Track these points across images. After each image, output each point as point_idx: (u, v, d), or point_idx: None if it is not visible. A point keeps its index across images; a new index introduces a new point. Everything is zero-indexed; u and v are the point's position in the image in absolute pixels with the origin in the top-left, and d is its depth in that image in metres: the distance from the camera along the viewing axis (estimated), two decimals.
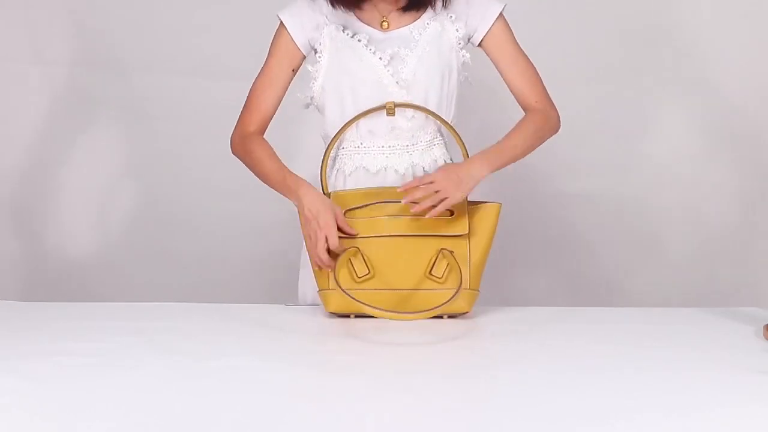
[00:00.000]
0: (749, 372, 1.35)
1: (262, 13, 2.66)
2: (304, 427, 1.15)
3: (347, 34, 1.86)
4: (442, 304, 1.63)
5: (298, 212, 1.78)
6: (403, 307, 1.67)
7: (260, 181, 1.90)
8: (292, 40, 1.90)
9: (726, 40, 2.64)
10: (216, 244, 2.78)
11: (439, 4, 1.88)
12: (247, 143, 1.92)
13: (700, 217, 2.72)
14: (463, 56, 1.92)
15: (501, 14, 1.93)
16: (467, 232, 1.73)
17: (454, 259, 1.70)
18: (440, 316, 1.70)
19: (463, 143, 1.85)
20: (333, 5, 1.86)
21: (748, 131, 2.68)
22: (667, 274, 2.74)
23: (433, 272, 1.70)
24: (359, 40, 1.85)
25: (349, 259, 1.69)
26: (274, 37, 1.93)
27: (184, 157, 2.75)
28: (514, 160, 1.88)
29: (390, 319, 1.63)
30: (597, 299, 2.72)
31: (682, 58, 2.64)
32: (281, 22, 1.92)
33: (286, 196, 1.84)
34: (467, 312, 1.73)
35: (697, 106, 2.67)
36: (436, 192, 1.70)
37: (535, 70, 1.96)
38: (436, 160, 1.90)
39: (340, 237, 1.69)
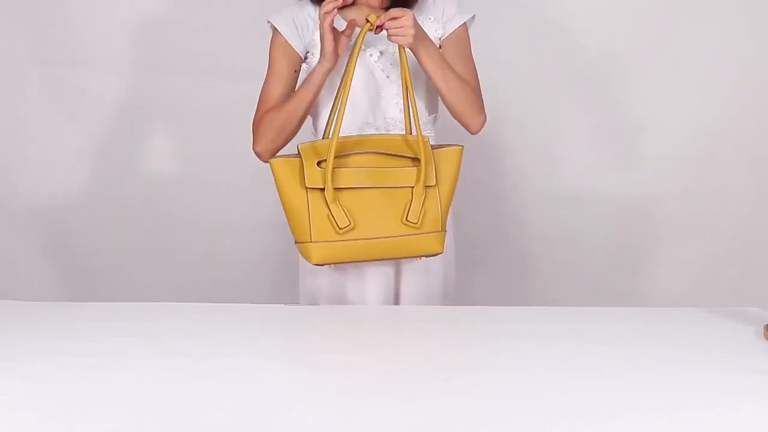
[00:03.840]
0: (749, 372, 1.35)
1: (262, 14, 2.68)
2: (304, 426, 1.15)
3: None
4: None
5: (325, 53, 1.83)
6: (381, 255, 1.82)
7: (302, 111, 1.90)
8: (289, 43, 1.94)
9: (726, 40, 2.64)
10: (216, 244, 2.79)
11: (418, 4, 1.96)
12: (265, 117, 1.93)
13: (700, 217, 2.72)
14: None
15: (465, 24, 2.00)
16: (435, 183, 1.84)
17: (424, 205, 1.81)
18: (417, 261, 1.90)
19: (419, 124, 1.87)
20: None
21: (748, 131, 2.68)
22: (667, 274, 2.74)
23: (409, 218, 1.81)
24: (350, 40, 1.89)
25: (328, 210, 1.77)
26: (271, 44, 1.96)
27: (184, 156, 2.75)
28: (438, 72, 1.88)
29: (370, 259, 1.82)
30: (597, 299, 2.72)
31: (683, 57, 2.64)
32: (274, 27, 1.95)
33: (322, 78, 1.86)
34: (440, 253, 1.86)
35: (697, 106, 2.67)
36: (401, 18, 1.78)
37: (477, 78, 2.02)
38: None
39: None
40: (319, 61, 1.86)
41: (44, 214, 2.79)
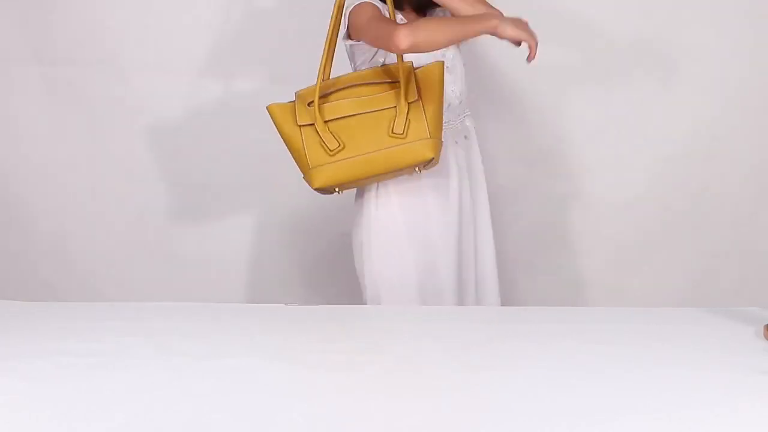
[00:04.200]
0: (749, 372, 1.35)
1: (262, 13, 2.68)
2: (304, 426, 1.15)
3: None
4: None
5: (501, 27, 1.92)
6: (376, 170, 1.95)
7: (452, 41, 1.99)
8: (380, 11, 1.99)
9: (727, 40, 2.64)
10: (216, 244, 2.78)
11: None
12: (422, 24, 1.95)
13: (700, 217, 2.72)
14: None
15: None
16: (417, 98, 1.96)
17: (408, 117, 1.94)
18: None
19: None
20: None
21: (749, 131, 2.68)
22: (667, 274, 2.74)
23: (394, 130, 1.94)
24: None
25: (320, 138, 1.95)
26: (360, 10, 1.98)
27: (184, 156, 2.75)
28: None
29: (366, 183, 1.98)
30: (597, 299, 2.72)
31: (683, 57, 2.64)
32: (367, 3, 1.99)
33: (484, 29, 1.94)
34: (433, 158, 1.94)
35: (697, 105, 2.66)
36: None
37: None
38: (468, 128, 2.15)
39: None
40: (499, 20, 1.92)
41: (44, 214, 2.79)
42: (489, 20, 1.93)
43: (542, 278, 2.77)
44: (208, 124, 2.73)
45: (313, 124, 1.97)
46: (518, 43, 1.94)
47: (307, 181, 1.99)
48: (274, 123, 2.01)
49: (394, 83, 1.98)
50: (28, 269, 2.81)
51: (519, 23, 1.94)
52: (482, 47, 2.64)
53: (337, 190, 2.01)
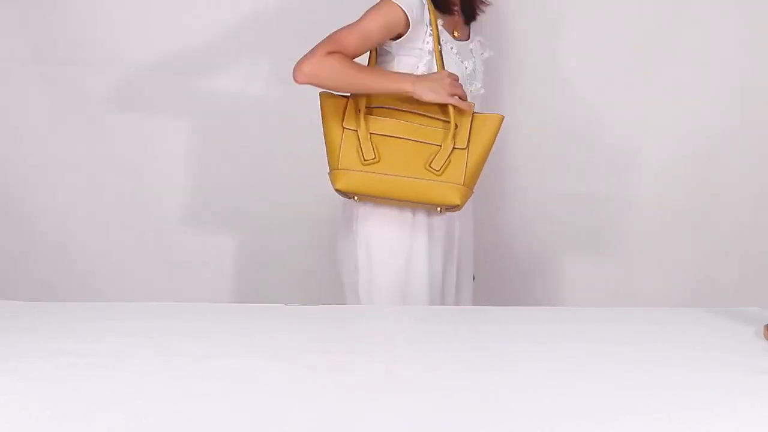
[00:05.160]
0: (749, 372, 1.35)
1: (262, 13, 2.68)
2: (304, 426, 1.15)
3: (443, 37, 2.03)
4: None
5: (418, 91, 1.96)
6: (400, 194, 1.95)
7: (363, 92, 2.00)
8: (401, 21, 1.98)
9: (727, 40, 2.64)
10: (216, 244, 2.78)
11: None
12: (335, 57, 1.95)
13: (700, 217, 2.72)
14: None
15: None
16: (465, 146, 1.96)
17: (450, 158, 1.95)
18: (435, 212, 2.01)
19: None
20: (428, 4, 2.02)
21: (749, 131, 2.68)
22: (667, 274, 2.74)
23: (432, 165, 1.93)
24: (451, 48, 2.05)
25: (359, 144, 1.95)
26: (379, 8, 1.98)
27: (184, 156, 2.75)
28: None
29: (386, 202, 1.96)
30: (597, 299, 2.72)
31: (683, 57, 2.64)
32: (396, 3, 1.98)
33: (398, 92, 1.98)
34: (459, 206, 1.95)
35: (697, 105, 2.66)
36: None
37: None
38: None
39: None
40: (413, 82, 1.95)
41: (44, 214, 2.79)
42: (403, 82, 1.96)
43: (542, 278, 2.77)
44: (208, 124, 2.73)
45: (356, 131, 1.97)
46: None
47: (331, 179, 1.98)
48: (321, 113, 2.01)
49: (447, 122, 1.97)
50: (28, 269, 2.80)
51: (440, 85, 1.95)
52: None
53: (355, 198, 2.00)
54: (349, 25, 1.98)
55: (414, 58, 2.02)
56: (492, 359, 1.44)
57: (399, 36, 2.01)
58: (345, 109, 1.98)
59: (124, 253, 2.79)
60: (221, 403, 1.22)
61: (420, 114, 1.98)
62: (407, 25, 1.99)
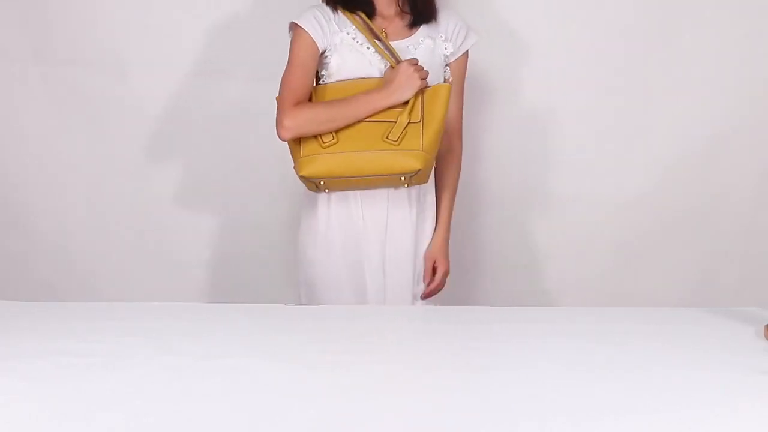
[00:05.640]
0: (749, 372, 1.35)
1: (262, 13, 2.68)
2: (304, 426, 1.15)
3: (357, 41, 2.07)
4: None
5: (397, 97, 2.03)
6: (363, 169, 1.99)
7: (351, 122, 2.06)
8: (313, 40, 2.06)
9: (727, 41, 2.64)
10: (217, 244, 2.78)
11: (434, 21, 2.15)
12: (306, 110, 2.05)
13: (701, 217, 2.72)
14: (445, 71, 2.15)
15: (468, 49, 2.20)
16: (419, 119, 2.01)
17: (406, 129, 2.00)
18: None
19: None
20: (340, 9, 2.08)
21: (749, 131, 2.68)
22: (667, 274, 2.74)
23: (389, 137, 1.99)
24: (368, 48, 2.07)
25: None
26: (293, 41, 2.09)
27: (184, 156, 2.75)
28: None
29: (352, 184, 2.02)
30: (597, 299, 2.72)
31: (683, 58, 2.64)
32: (298, 26, 2.07)
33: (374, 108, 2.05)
34: (420, 170, 1.99)
35: (697, 106, 2.66)
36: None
37: (461, 113, 2.25)
38: None
39: None
40: (388, 94, 2.02)
41: (44, 214, 2.79)
42: (379, 99, 2.02)
43: (542, 278, 2.77)
44: (208, 124, 2.73)
45: None
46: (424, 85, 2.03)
47: (295, 169, 2.04)
48: None
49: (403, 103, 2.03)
50: (28, 269, 2.81)
51: (407, 77, 2.01)
52: (483, 46, 2.64)
53: (322, 183, 2.04)
54: (286, 66, 2.08)
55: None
56: (492, 359, 1.44)
57: (323, 53, 2.08)
58: None
59: (124, 253, 2.79)
60: (221, 403, 1.22)
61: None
62: (318, 44, 2.06)
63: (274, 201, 2.75)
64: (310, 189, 2.09)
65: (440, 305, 2.15)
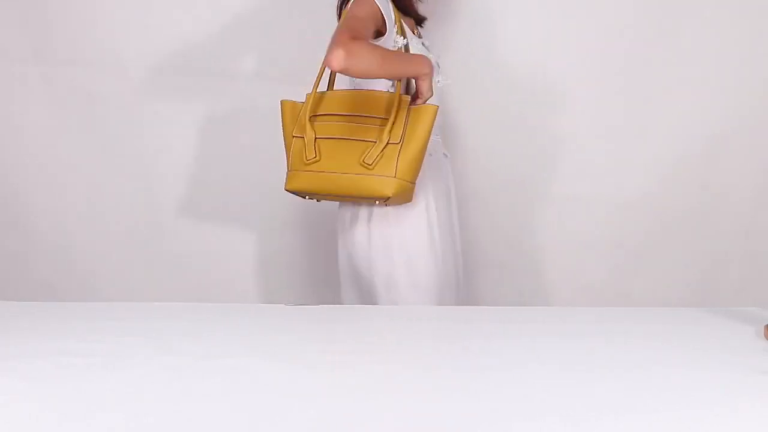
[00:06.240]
0: (749, 372, 1.35)
1: (262, 13, 2.68)
2: (304, 426, 1.15)
3: (410, 36, 2.13)
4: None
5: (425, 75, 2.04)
6: (338, 190, 2.01)
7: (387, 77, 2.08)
8: (382, 14, 2.05)
9: (727, 40, 2.64)
10: (216, 244, 2.78)
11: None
12: (367, 44, 1.98)
13: (701, 217, 2.72)
14: (438, 81, 2.17)
15: None
16: (399, 141, 2.00)
17: (383, 152, 1.99)
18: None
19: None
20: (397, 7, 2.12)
21: (749, 131, 2.68)
22: (667, 274, 2.74)
23: (364, 160, 1.99)
24: (422, 43, 2.15)
25: (304, 146, 2.04)
26: (359, 4, 2.03)
27: (184, 156, 2.75)
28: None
29: (331, 198, 2.05)
30: (597, 299, 2.72)
31: (683, 58, 2.64)
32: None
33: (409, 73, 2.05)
34: (390, 197, 1.99)
35: (697, 106, 2.66)
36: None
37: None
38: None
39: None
40: (424, 79, 2.02)
41: (44, 214, 2.79)
42: (423, 67, 2.01)
43: (542, 278, 2.77)
44: (208, 124, 2.73)
45: (303, 137, 2.05)
46: (416, 97, 2.04)
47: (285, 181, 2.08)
48: (282, 119, 2.10)
49: (386, 119, 2.02)
50: (28, 269, 2.81)
51: (430, 84, 2.04)
52: (484, 46, 2.64)
53: (307, 197, 2.08)
54: (348, 17, 2.00)
55: None
56: (491, 359, 1.44)
57: (380, 34, 2.06)
58: (298, 117, 2.08)
59: (124, 253, 2.80)
60: (221, 403, 1.22)
61: (361, 116, 2.04)
62: (383, 22, 2.04)
63: (275, 201, 2.75)
64: (298, 197, 2.12)
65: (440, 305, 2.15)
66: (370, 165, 1.99)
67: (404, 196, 2.02)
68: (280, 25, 2.67)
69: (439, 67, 2.17)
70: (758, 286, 2.68)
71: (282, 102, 2.10)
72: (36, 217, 2.79)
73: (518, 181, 2.74)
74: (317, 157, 2.02)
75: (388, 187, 1.98)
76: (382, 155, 1.99)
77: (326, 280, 2.73)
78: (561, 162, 2.72)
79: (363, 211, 2.14)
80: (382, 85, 2.10)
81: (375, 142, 2.00)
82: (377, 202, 2.04)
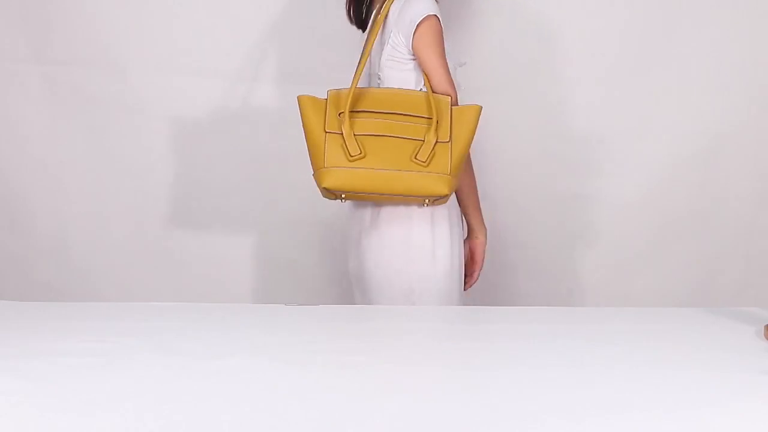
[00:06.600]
0: (749, 372, 1.35)
1: (262, 14, 2.68)
2: (304, 426, 1.15)
3: None
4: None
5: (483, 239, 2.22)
6: (388, 188, 1.95)
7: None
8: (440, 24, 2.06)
9: (727, 40, 2.64)
10: (216, 244, 2.78)
11: None
12: None
13: (701, 217, 2.72)
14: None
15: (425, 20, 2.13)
16: (448, 139, 1.98)
17: (434, 150, 1.97)
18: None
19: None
20: None
21: (749, 132, 2.68)
22: (667, 274, 2.74)
23: (417, 156, 1.95)
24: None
25: (343, 142, 1.96)
26: (437, 30, 2.04)
27: (184, 156, 2.75)
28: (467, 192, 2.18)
29: (374, 198, 2.00)
30: (598, 300, 2.72)
31: (683, 57, 2.64)
32: (437, 17, 2.04)
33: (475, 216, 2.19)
34: (446, 195, 1.96)
35: (698, 106, 2.66)
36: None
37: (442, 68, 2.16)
38: None
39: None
40: (483, 237, 2.22)
41: (44, 214, 2.79)
42: (481, 227, 2.20)
43: (543, 278, 2.77)
44: (209, 124, 2.73)
45: (340, 133, 1.97)
46: (473, 272, 2.18)
47: (316, 179, 1.98)
48: (301, 116, 2.00)
49: (429, 118, 1.99)
50: (28, 269, 2.81)
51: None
52: (486, 46, 2.64)
53: (343, 196, 2.00)
54: (439, 61, 2.03)
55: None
56: (492, 359, 1.44)
57: None
58: (324, 109, 1.99)
59: (124, 253, 2.79)
60: (221, 403, 1.22)
61: (401, 114, 2.01)
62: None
63: (274, 201, 2.75)
64: (325, 197, 2.04)
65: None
66: (424, 162, 1.95)
67: (450, 194, 2.00)
68: (280, 25, 2.67)
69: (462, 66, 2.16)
70: (758, 286, 2.68)
71: (300, 97, 2.01)
72: (36, 217, 2.79)
73: (518, 181, 2.74)
74: (362, 154, 1.96)
75: (445, 185, 1.95)
76: (434, 153, 1.96)
77: (326, 280, 2.73)
78: (562, 162, 2.71)
79: (385, 212, 2.07)
80: (412, 84, 2.07)
81: (422, 140, 1.97)
82: (426, 202, 1.99)
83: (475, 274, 2.19)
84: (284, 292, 2.73)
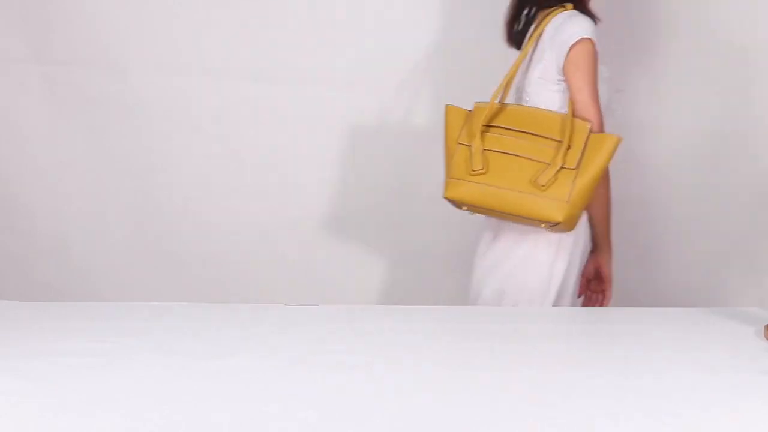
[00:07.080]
0: (749, 372, 1.35)
1: (262, 13, 2.68)
2: (304, 426, 1.15)
3: None
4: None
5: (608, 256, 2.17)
6: (504, 207, 1.94)
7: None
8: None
9: (727, 40, 2.63)
10: (216, 244, 2.78)
11: None
12: None
13: (701, 217, 2.72)
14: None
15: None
16: (575, 166, 1.94)
17: (557, 176, 1.94)
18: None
19: None
20: None
21: (749, 131, 2.68)
22: (667, 274, 2.74)
23: (538, 180, 1.93)
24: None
25: (470, 155, 1.98)
26: (592, 54, 2.09)
27: (184, 156, 2.75)
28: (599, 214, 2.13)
29: (491, 214, 1.99)
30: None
31: (683, 57, 2.64)
32: (593, 41, 2.08)
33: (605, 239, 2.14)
34: (560, 223, 1.92)
35: (699, 106, 2.66)
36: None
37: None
38: None
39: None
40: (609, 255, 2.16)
41: (44, 214, 2.79)
42: (607, 243, 2.13)
43: None
44: (208, 124, 2.73)
45: (470, 146, 1.99)
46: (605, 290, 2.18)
47: (443, 188, 2.02)
48: (445, 123, 2.05)
49: (560, 141, 1.97)
50: (28, 269, 2.81)
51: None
52: (487, 46, 2.64)
53: (464, 208, 2.01)
54: (587, 86, 2.05)
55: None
56: (492, 359, 1.44)
57: None
58: (464, 123, 2.03)
59: (124, 253, 2.79)
60: (221, 403, 1.22)
61: (532, 134, 2.00)
62: None
63: (274, 201, 2.75)
64: (452, 205, 2.05)
65: (441, 305, 2.14)
66: (543, 186, 1.93)
67: (570, 223, 1.96)
68: (281, 25, 2.67)
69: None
70: (758, 286, 2.68)
71: (447, 107, 2.05)
72: (36, 217, 2.79)
73: None
74: (484, 170, 1.97)
75: (559, 212, 1.92)
76: (556, 178, 1.93)
77: (326, 280, 2.73)
78: None
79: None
80: (556, 106, 2.05)
81: (548, 163, 1.95)
82: (543, 225, 1.96)
83: (608, 293, 2.18)
84: (284, 292, 2.73)
